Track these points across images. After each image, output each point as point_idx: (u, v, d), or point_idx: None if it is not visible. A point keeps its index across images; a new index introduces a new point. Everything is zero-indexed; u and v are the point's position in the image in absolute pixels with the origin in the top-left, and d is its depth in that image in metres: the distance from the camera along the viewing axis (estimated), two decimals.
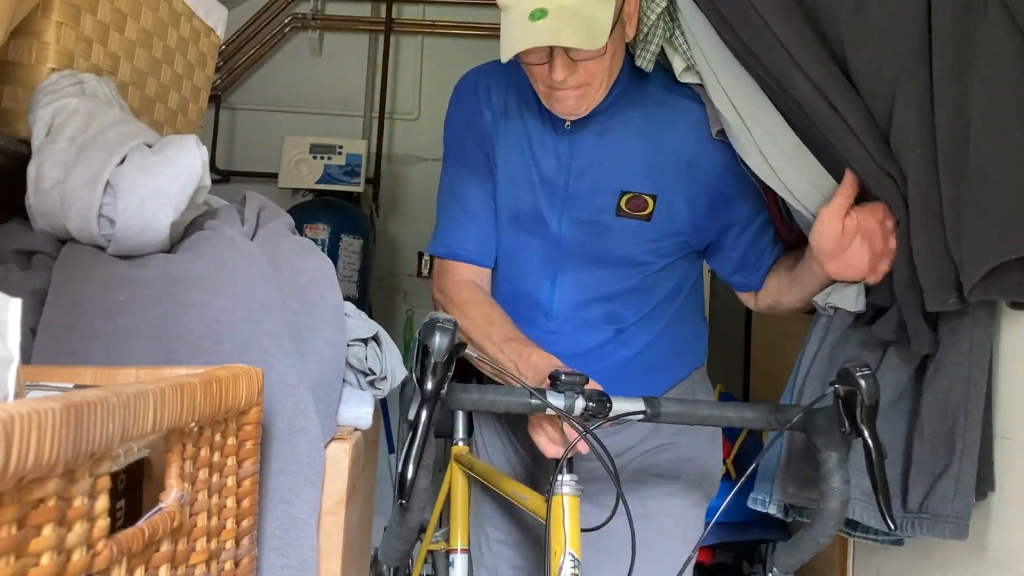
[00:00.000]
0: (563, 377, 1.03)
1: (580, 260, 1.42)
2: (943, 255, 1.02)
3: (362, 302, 3.39)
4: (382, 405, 1.22)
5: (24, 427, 0.44)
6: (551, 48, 1.19)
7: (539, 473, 1.55)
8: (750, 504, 1.33)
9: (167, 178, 1.00)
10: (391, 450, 3.55)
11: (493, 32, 3.90)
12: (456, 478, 1.55)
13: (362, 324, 1.13)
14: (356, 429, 1.09)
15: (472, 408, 1.02)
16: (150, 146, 1.04)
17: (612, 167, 1.38)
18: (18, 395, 0.54)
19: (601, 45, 1.16)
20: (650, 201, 1.37)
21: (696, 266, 1.52)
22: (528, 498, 1.15)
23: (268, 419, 0.93)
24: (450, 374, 0.94)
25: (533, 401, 1.01)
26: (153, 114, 1.42)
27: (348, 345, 1.09)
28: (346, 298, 1.13)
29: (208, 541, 0.74)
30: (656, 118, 1.38)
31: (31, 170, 1.03)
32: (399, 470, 0.90)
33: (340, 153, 3.57)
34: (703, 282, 1.57)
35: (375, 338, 1.14)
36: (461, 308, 1.40)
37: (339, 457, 1.00)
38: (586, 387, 1.03)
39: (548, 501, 1.03)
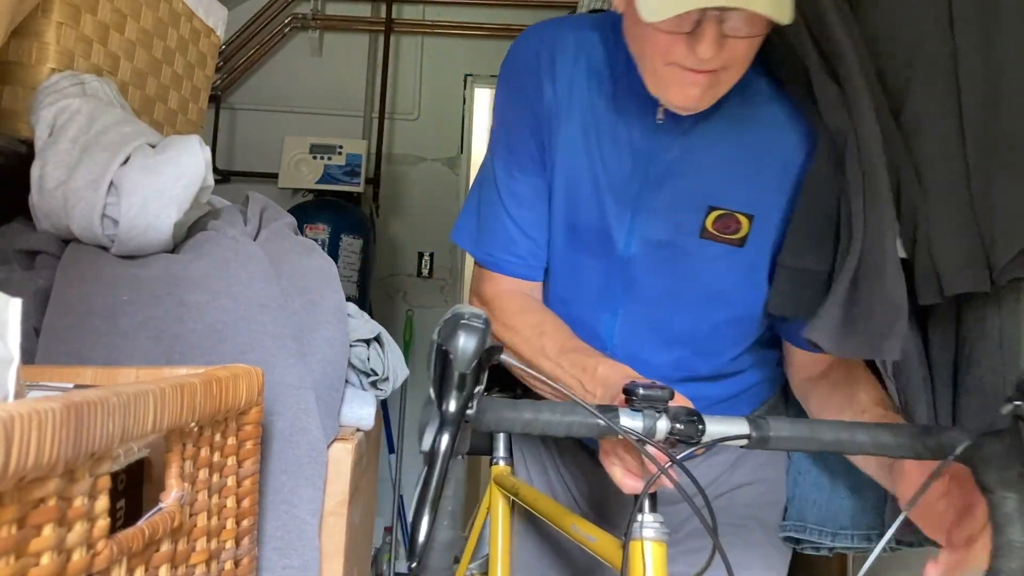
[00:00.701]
0: (641, 391, 0.79)
1: (650, 292, 1.14)
2: (969, 231, 0.94)
3: (362, 302, 3.39)
4: (382, 405, 1.21)
5: (24, 427, 0.43)
6: (700, 16, 0.93)
7: (591, 513, 1.29)
8: (804, 538, 1.23)
9: (170, 178, 1.00)
10: (391, 450, 3.56)
11: (494, 32, 3.93)
12: (496, 504, 1.30)
13: (364, 324, 1.13)
14: (358, 430, 1.09)
15: (519, 431, 0.80)
16: (153, 146, 1.04)
17: (700, 177, 1.10)
18: (18, 395, 0.54)
19: (790, 18, 0.94)
20: (744, 222, 1.09)
21: None
22: (596, 540, 0.95)
23: (270, 419, 0.92)
24: (480, 388, 0.74)
25: (600, 422, 0.78)
26: (153, 114, 1.42)
27: (350, 345, 1.09)
28: (346, 298, 1.13)
29: (208, 541, 0.74)
30: (762, 120, 1.10)
31: (35, 171, 1.03)
32: (411, 519, 0.70)
33: (340, 153, 3.57)
34: None
35: (377, 339, 1.14)
36: (507, 321, 1.17)
37: (341, 458, 1.00)
38: (671, 403, 0.80)
39: (625, 546, 0.82)
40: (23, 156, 1.09)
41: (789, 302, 1.07)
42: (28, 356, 0.93)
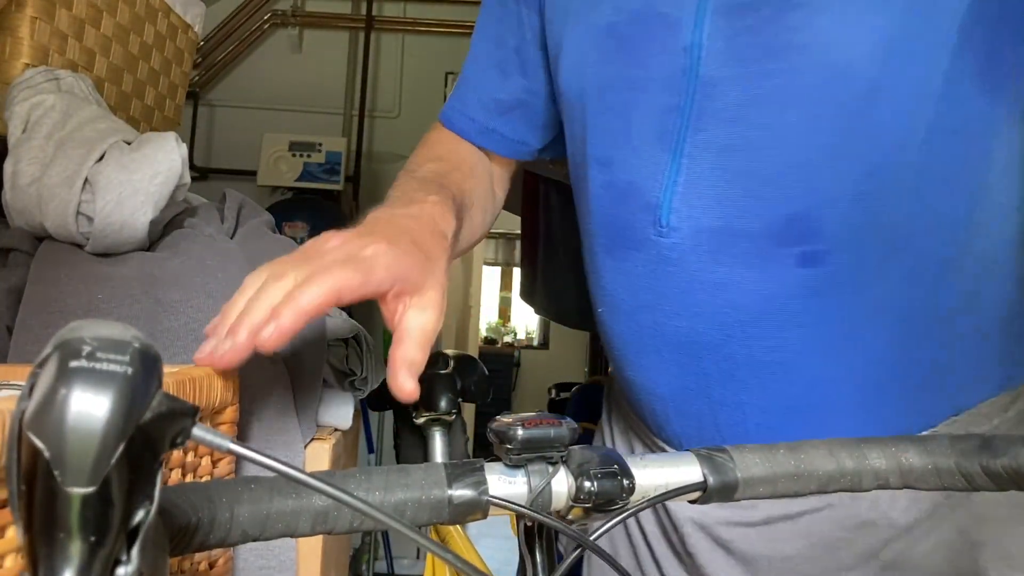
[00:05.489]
0: (520, 431, 0.46)
1: (732, 96, 0.68)
2: None
3: None
4: (362, 405, 1.21)
5: None
6: None
7: None
8: None
9: (146, 175, 0.99)
10: (371, 450, 3.55)
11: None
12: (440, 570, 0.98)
13: (342, 324, 1.12)
14: (336, 430, 1.08)
15: (259, 538, 0.43)
16: (129, 143, 1.03)
17: None
18: None
19: None
20: None
21: (1005, 123, 0.67)
22: None
23: (246, 419, 0.92)
24: (147, 514, 0.31)
25: (456, 493, 0.45)
26: (130, 111, 1.41)
27: (328, 345, 1.08)
28: None
29: None
30: None
31: (7, 167, 1.01)
32: None
33: (320, 151, 3.56)
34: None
35: (356, 338, 1.13)
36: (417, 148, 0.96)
37: (319, 458, 1.00)
38: (571, 447, 0.48)
39: None
40: None
41: None
42: (0, 355, 0.92)
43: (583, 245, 0.87)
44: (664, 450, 0.83)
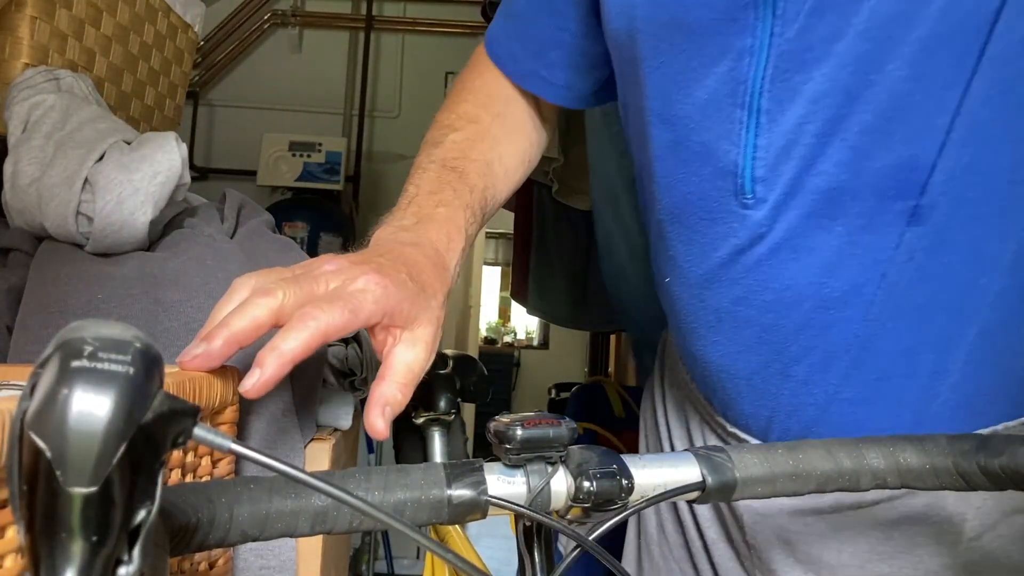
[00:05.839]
0: (520, 431, 0.46)
1: (818, 35, 0.58)
2: None
3: None
4: (362, 405, 1.21)
5: None
6: None
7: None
8: None
9: (146, 175, 0.99)
10: (370, 450, 3.55)
11: (474, 30, 3.92)
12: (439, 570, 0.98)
13: None
14: (336, 430, 1.08)
15: (262, 538, 0.42)
16: (129, 143, 1.03)
17: None
18: None
19: None
20: None
21: None
22: None
23: (246, 419, 0.92)
24: (148, 513, 0.31)
25: (455, 493, 0.45)
26: (129, 111, 1.41)
27: (328, 345, 1.08)
28: None
29: None
30: None
31: (7, 167, 1.01)
32: None
33: (320, 151, 3.56)
34: None
35: (355, 338, 1.13)
36: (451, 95, 0.88)
37: (319, 458, 1.00)
38: (570, 447, 0.48)
39: None
40: None
41: None
42: (0, 355, 0.92)
43: (645, 205, 0.77)
44: (727, 429, 0.80)
